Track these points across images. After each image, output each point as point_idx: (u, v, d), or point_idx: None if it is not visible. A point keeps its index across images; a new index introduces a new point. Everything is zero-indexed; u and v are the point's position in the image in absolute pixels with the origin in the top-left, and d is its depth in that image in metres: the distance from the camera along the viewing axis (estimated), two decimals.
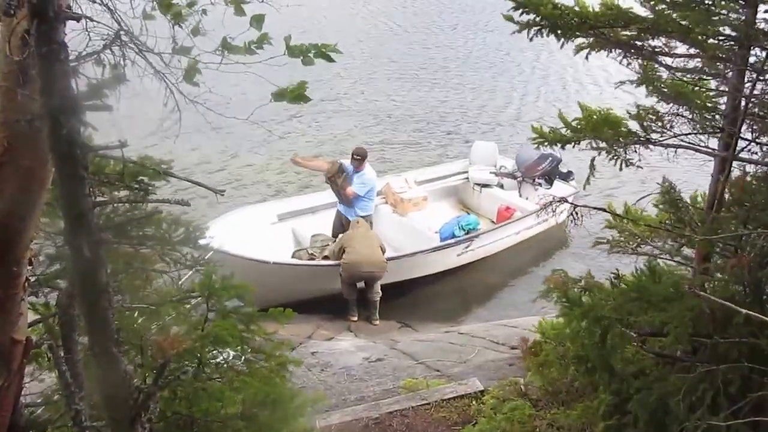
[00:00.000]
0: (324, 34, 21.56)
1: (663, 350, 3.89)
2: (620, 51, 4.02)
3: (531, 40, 3.91)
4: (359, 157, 9.15)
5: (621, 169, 4.22)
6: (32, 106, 2.13)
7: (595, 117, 4.08)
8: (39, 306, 3.16)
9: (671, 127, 4.10)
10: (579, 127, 4.11)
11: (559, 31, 3.81)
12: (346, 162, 9.32)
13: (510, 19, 3.86)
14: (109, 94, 2.24)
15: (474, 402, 5.49)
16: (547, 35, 3.85)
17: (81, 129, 2.26)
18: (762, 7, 3.59)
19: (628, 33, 3.89)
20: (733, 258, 3.63)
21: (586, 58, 4.07)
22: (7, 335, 2.45)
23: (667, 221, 4.21)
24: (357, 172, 9.15)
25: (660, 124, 4.10)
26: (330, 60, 2.67)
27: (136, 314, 3.31)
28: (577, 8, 3.78)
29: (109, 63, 2.29)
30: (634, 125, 4.09)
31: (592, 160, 4.22)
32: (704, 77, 4.11)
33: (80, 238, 2.42)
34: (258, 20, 2.62)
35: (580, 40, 3.97)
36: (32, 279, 2.67)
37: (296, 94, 2.62)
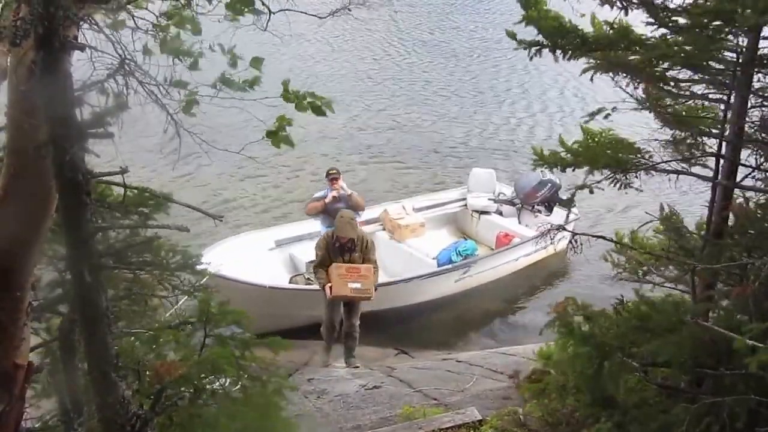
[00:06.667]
0: (321, 62, 21.77)
1: (666, 380, 3.85)
2: (626, 75, 4.02)
3: (531, 59, 3.91)
4: (335, 171, 9.31)
5: (623, 188, 4.21)
6: (38, 134, 2.16)
7: (596, 140, 4.08)
8: (41, 331, 3.17)
9: (671, 153, 4.11)
10: (579, 150, 4.11)
11: (558, 51, 3.83)
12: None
13: (512, 35, 3.87)
14: (111, 122, 2.28)
15: None
16: (550, 51, 3.84)
17: (84, 156, 2.30)
18: (765, 33, 3.59)
19: (633, 57, 3.89)
20: (738, 287, 3.61)
21: (591, 79, 4.07)
22: (10, 360, 2.46)
23: (668, 248, 4.19)
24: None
25: (666, 149, 4.11)
26: (321, 114, 2.78)
27: (132, 339, 3.32)
28: (581, 27, 3.78)
29: (113, 92, 2.33)
30: (633, 151, 4.09)
31: (583, 181, 4.22)
32: (706, 102, 4.11)
33: (81, 264, 2.45)
34: (257, 62, 2.70)
35: (584, 61, 3.98)
36: (35, 304, 2.68)
37: (282, 140, 2.70)
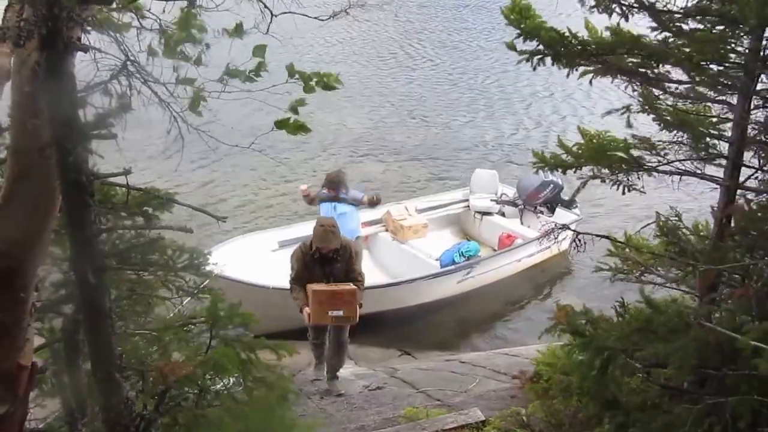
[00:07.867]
0: (324, 64, 21.79)
1: (669, 381, 3.84)
2: (624, 78, 4.02)
3: (534, 69, 3.90)
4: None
5: (624, 193, 4.21)
6: (42, 135, 2.17)
7: (595, 141, 4.08)
8: (44, 331, 3.17)
9: (673, 154, 4.10)
10: (579, 152, 4.11)
11: (561, 59, 3.83)
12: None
13: (512, 47, 3.87)
14: (115, 123, 2.29)
15: None
16: (552, 63, 3.85)
17: (88, 157, 2.31)
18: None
19: (632, 60, 3.90)
20: (740, 288, 3.61)
21: (590, 83, 4.08)
22: (14, 361, 2.45)
23: (670, 249, 4.19)
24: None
25: (663, 151, 4.11)
26: (331, 88, 2.74)
27: (136, 339, 3.32)
28: (579, 35, 3.78)
29: (116, 93, 2.34)
30: (636, 152, 4.09)
31: (585, 181, 4.22)
32: (708, 104, 4.11)
33: (85, 265, 2.45)
34: (260, 50, 2.69)
35: (584, 68, 3.98)
36: (38, 305, 2.68)
37: (296, 126, 2.69)
